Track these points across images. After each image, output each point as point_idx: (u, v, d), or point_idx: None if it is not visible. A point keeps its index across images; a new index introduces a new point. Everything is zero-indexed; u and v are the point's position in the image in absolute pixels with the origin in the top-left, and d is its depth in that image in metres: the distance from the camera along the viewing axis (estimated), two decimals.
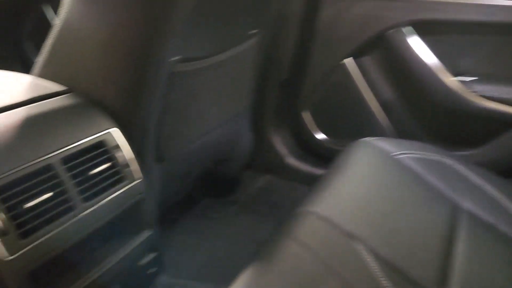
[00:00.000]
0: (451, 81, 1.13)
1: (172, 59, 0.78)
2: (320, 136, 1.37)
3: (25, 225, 0.56)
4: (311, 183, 1.38)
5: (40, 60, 0.79)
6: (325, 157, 1.37)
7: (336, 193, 0.82)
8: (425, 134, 1.23)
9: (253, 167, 1.45)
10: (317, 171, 1.38)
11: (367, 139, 1.04)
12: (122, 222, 0.73)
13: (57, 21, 0.75)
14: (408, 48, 1.18)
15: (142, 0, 0.70)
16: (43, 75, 0.79)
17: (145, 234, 0.74)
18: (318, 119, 1.36)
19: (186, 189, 1.19)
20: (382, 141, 1.05)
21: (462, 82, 1.13)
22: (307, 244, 0.66)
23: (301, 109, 1.37)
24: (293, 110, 1.39)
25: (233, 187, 1.42)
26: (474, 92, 1.11)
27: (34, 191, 0.59)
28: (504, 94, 1.09)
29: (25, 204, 0.57)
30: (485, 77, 1.14)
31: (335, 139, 1.35)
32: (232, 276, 1.04)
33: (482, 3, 1.10)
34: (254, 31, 1.06)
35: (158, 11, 0.70)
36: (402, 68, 1.19)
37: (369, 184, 0.88)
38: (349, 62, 1.26)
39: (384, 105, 1.26)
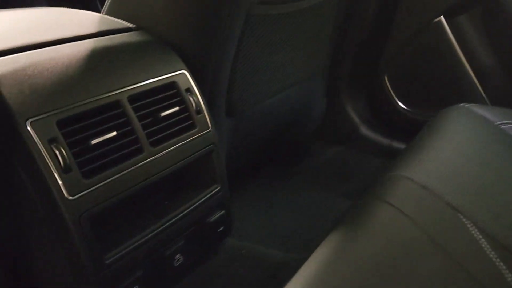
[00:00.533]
0: None
1: None
2: (401, 105, 1.23)
3: (89, 164, 0.51)
4: (388, 156, 1.26)
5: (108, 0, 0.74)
6: (405, 128, 1.23)
7: (433, 159, 0.70)
8: None
9: (323, 136, 1.35)
10: (395, 144, 1.25)
11: (464, 104, 0.91)
12: (191, 173, 0.66)
13: None
14: None
15: None
16: (112, 13, 0.73)
17: (214, 189, 0.66)
18: (400, 85, 1.22)
19: (252, 153, 1.11)
20: (482, 107, 0.90)
21: None
22: (404, 210, 0.55)
23: (381, 74, 1.23)
24: (372, 75, 1.26)
25: (300, 156, 1.32)
26: None
27: (100, 128, 0.53)
28: None
29: (90, 140, 0.51)
30: None
31: (418, 109, 1.21)
32: (304, 245, 0.97)
33: None
34: None
35: None
36: (505, 27, 1.02)
37: (471, 153, 0.75)
38: (440, 21, 1.10)
39: (479, 71, 1.10)
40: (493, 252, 0.54)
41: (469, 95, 1.11)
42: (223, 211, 0.68)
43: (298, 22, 0.89)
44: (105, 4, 0.74)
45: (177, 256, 0.61)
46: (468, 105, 0.90)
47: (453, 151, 0.74)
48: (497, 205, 0.63)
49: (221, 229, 0.68)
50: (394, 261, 0.48)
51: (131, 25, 0.69)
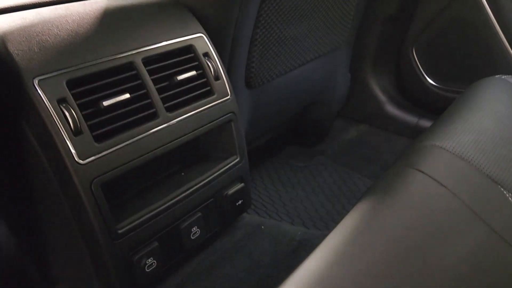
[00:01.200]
0: None
1: None
2: (430, 80, 1.17)
3: (101, 127, 0.48)
4: (414, 136, 1.20)
5: None
6: (434, 106, 1.17)
7: (468, 130, 0.65)
8: None
9: (346, 115, 1.30)
10: (423, 122, 1.19)
11: (499, 76, 0.84)
12: (209, 144, 0.62)
13: None
14: None
15: None
16: None
17: (233, 160, 0.63)
18: (428, 61, 1.16)
19: (272, 130, 1.07)
20: None
21: None
22: (441, 181, 0.50)
23: (408, 49, 1.17)
24: (398, 50, 1.19)
25: (323, 135, 1.27)
26: None
27: (113, 90, 0.49)
28: None
29: (102, 102, 0.48)
30: None
31: (448, 84, 1.15)
32: (324, 224, 0.93)
33: None
34: None
35: None
36: None
37: (507, 124, 0.69)
38: None
39: None
40: None
41: (504, 66, 1.04)
42: (242, 184, 0.64)
43: None
44: None
45: (194, 229, 0.58)
46: (503, 76, 0.83)
47: (489, 122, 0.68)
48: None
49: (239, 202, 0.64)
50: (430, 231, 0.44)
51: None
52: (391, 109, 1.24)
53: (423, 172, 0.51)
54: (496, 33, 1.03)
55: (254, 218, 0.69)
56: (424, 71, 1.17)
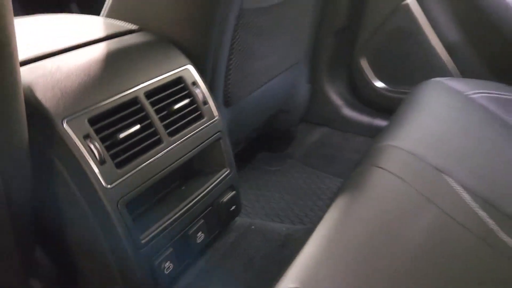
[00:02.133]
0: None
1: None
2: (378, 84, 1.32)
3: (120, 155, 0.56)
4: (369, 134, 1.35)
5: (108, 2, 0.78)
6: (384, 106, 1.32)
7: (415, 129, 0.79)
8: (494, 75, 1.16)
9: (308, 120, 1.42)
10: (375, 121, 1.34)
11: (437, 79, 1.00)
12: (204, 160, 0.72)
13: None
14: None
15: None
16: (113, 15, 0.77)
17: (224, 172, 0.73)
18: (376, 66, 1.31)
19: (245, 140, 1.18)
20: (453, 80, 1.00)
21: None
22: (398, 175, 0.63)
23: (358, 57, 1.32)
24: (349, 58, 1.34)
25: (289, 141, 1.40)
26: None
27: (125, 123, 0.58)
28: None
29: (118, 134, 0.56)
30: None
31: (395, 87, 1.30)
32: (302, 219, 1.05)
33: None
34: None
35: None
36: (472, 5, 1.12)
37: (447, 122, 0.84)
38: (411, 3, 1.19)
39: (448, 47, 1.20)
40: (473, 203, 0.63)
41: (441, 70, 1.20)
42: (234, 192, 0.74)
43: (283, 12, 0.96)
44: (104, 8, 0.79)
45: (199, 234, 0.67)
46: (440, 79, 0.99)
47: (432, 121, 0.83)
48: (474, 165, 0.73)
49: (232, 208, 0.74)
50: (395, 217, 0.56)
51: (134, 27, 0.74)
52: (347, 112, 1.38)
53: (383, 169, 0.63)
54: (430, 41, 1.19)
55: (244, 220, 0.80)
56: (373, 76, 1.32)
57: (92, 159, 0.53)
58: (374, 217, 0.55)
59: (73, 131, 0.53)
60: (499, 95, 0.97)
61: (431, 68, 1.20)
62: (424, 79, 1.01)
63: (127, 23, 0.75)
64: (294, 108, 1.29)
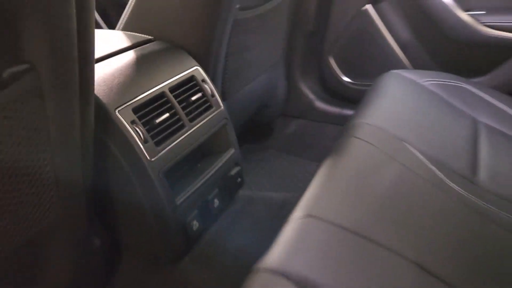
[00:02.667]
0: (463, 15, 1.28)
1: (237, 6, 0.93)
2: (345, 79, 1.52)
3: (157, 136, 0.72)
4: (339, 123, 1.55)
5: (124, 17, 0.93)
6: (350, 98, 1.53)
7: (380, 110, 0.98)
8: (439, 66, 1.39)
9: (286, 113, 1.61)
10: (344, 111, 1.54)
11: (394, 71, 1.20)
12: (215, 142, 0.89)
13: None
14: None
15: None
16: (128, 29, 0.93)
17: (231, 151, 0.90)
18: (342, 63, 1.51)
19: (238, 130, 1.35)
20: (407, 72, 1.21)
21: (472, 15, 1.28)
22: (370, 142, 0.82)
23: (327, 56, 1.52)
24: (319, 58, 1.54)
25: (271, 132, 1.58)
26: (482, 23, 1.27)
27: (157, 112, 0.74)
28: (508, 23, 1.24)
29: (154, 120, 0.72)
30: (492, 10, 1.29)
31: (359, 80, 1.51)
32: (293, 190, 1.22)
33: None
34: None
35: None
36: (418, 8, 1.34)
37: (403, 104, 1.04)
38: (369, 8, 1.40)
39: (402, 44, 1.41)
40: (426, 161, 0.82)
41: (396, 64, 1.42)
42: (239, 167, 0.91)
43: (264, 21, 1.14)
44: (120, 23, 0.94)
45: (215, 200, 0.84)
46: (396, 71, 1.19)
47: (392, 104, 1.03)
48: (426, 134, 0.92)
49: (238, 180, 0.91)
50: (370, 168, 0.75)
51: (149, 37, 0.90)
52: (320, 104, 1.58)
53: (359, 138, 0.82)
54: (387, 40, 1.40)
55: (246, 192, 0.97)
56: (340, 72, 1.52)
57: (138, 139, 0.69)
58: (356, 170, 0.73)
59: (123, 118, 0.68)
60: (443, 82, 1.19)
61: (389, 63, 1.42)
62: (383, 72, 1.21)
63: (142, 35, 0.91)
64: (275, 103, 1.47)
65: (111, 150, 0.69)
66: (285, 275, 0.51)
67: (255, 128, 1.56)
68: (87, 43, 0.53)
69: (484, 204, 0.75)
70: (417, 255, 0.60)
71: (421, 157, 0.83)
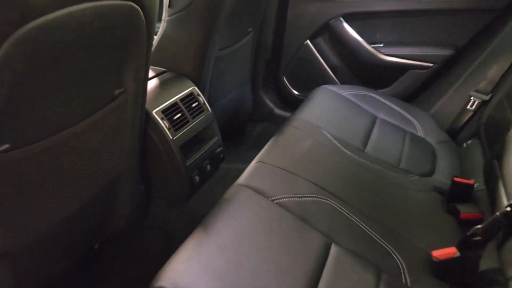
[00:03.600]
0: (370, 47, 1.89)
1: (217, 48, 1.49)
2: (295, 92, 2.11)
3: (175, 126, 1.27)
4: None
5: None
6: (298, 105, 2.11)
7: (309, 111, 1.56)
8: (357, 81, 1.99)
9: (253, 118, 2.18)
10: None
11: (323, 86, 1.79)
12: (206, 132, 1.44)
13: (156, 38, 1.45)
14: (343, 30, 1.93)
15: (202, 21, 1.40)
16: (153, 63, 1.48)
17: (216, 138, 1.46)
18: (293, 81, 2.10)
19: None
20: (332, 86, 1.80)
21: (375, 47, 1.89)
22: (298, 128, 1.39)
23: (281, 76, 2.10)
24: (275, 77, 2.12)
25: (242, 133, 2.14)
26: (382, 52, 1.88)
27: (174, 112, 1.29)
28: (399, 52, 1.86)
29: (173, 117, 1.27)
30: (388, 43, 1.91)
31: (304, 93, 2.10)
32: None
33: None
34: (250, 29, 1.78)
35: (212, 24, 1.41)
36: (341, 43, 1.95)
37: (327, 106, 1.62)
38: (309, 42, 2.00)
39: (332, 67, 2.01)
40: (333, 139, 1.40)
41: (328, 80, 2.01)
42: (221, 147, 1.47)
43: (235, 55, 1.70)
44: None
45: (208, 166, 1.39)
46: (324, 86, 1.78)
47: (319, 107, 1.60)
48: (338, 125, 1.50)
49: (221, 156, 1.47)
50: (296, 144, 1.32)
51: (163, 69, 1.45)
52: (278, 111, 2.15)
53: (292, 126, 1.39)
54: (323, 64, 2.00)
55: (224, 166, 1.52)
56: (291, 88, 2.11)
57: (165, 127, 1.23)
58: (288, 141, 1.30)
59: (157, 116, 1.23)
60: (357, 93, 1.78)
61: (324, 80, 2.01)
62: (316, 87, 1.80)
63: (159, 68, 1.46)
64: (244, 111, 2.04)
65: (150, 134, 1.24)
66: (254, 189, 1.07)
67: (231, 130, 2.12)
68: (148, 70, 1.08)
69: (366, 162, 1.33)
70: (319, 181, 1.17)
71: (329, 137, 1.41)
